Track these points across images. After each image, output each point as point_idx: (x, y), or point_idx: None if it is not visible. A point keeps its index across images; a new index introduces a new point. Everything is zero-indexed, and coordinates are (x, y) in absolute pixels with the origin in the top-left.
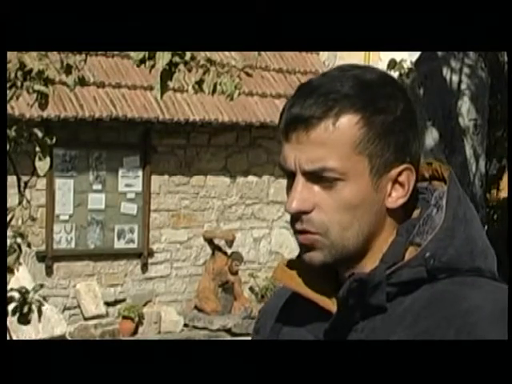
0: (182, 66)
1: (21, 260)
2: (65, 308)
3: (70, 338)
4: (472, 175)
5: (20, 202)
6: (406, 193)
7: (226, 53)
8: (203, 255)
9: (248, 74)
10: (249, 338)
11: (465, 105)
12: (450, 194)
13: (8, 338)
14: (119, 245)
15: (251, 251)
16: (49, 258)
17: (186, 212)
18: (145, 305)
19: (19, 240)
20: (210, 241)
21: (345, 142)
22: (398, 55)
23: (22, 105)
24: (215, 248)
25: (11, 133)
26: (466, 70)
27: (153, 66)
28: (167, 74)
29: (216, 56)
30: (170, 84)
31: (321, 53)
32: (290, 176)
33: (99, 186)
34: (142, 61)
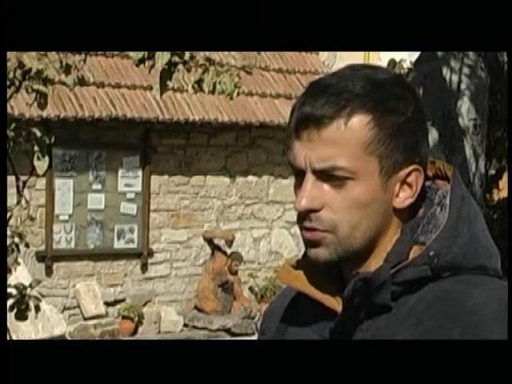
0: (181, 66)
1: (19, 260)
2: (64, 308)
3: (69, 338)
4: (472, 175)
5: (18, 202)
6: (413, 193)
7: (226, 52)
8: (203, 255)
9: (248, 73)
10: (248, 338)
11: (464, 105)
12: (453, 192)
13: (8, 337)
14: (119, 245)
15: (251, 251)
16: (48, 258)
17: (186, 212)
18: (144, 305)
19: (17, 240)
20: (209, 241)
21: (355, 142)
22: (398, 55)
23: (21, 104)
24: (215, 248)
25: (10, 132)
26: (465, 69)
27: (152, 66)
28: (167, 73)
29: (215, 55)
30: (170, 84)
31: (321, 53)
32: (299, 174)
33: (99, 186)
34: (142, 60)
